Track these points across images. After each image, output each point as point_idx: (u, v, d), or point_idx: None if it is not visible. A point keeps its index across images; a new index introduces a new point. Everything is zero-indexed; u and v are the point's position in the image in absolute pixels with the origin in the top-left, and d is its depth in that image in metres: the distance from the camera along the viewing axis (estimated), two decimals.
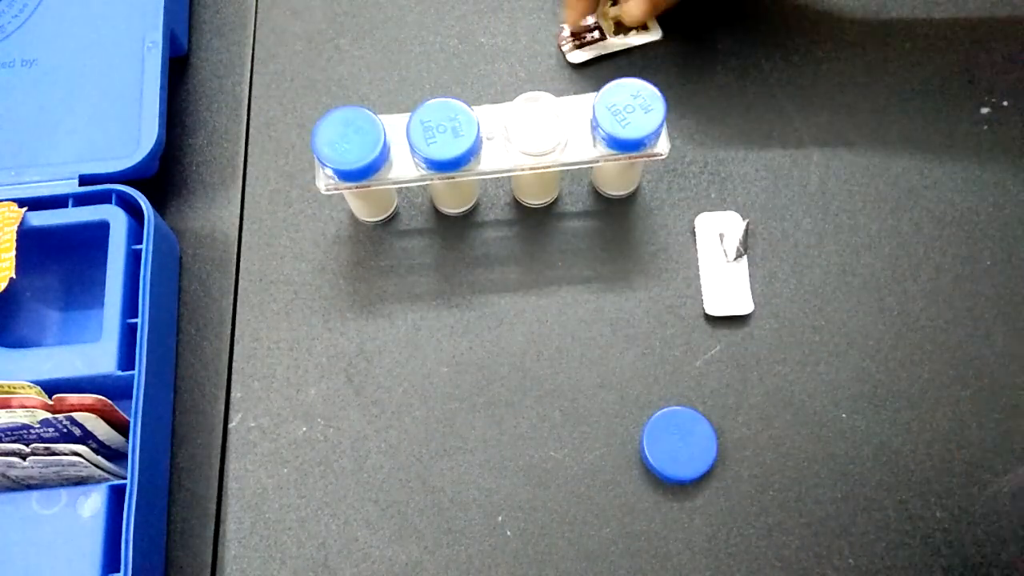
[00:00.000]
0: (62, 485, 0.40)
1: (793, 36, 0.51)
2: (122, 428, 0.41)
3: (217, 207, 0.48)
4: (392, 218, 0.48)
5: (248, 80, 0.51)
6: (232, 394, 0.45)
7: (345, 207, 0.48)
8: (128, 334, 0.41)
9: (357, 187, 0.42)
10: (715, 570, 0.42)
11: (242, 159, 0.49)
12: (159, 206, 0.48)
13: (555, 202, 0.48)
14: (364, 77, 0.51)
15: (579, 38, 0.50)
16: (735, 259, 0.46)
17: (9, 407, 0.38)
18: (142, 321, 0.41)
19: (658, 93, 0.41)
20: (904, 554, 0.41)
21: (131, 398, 0.40)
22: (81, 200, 0.44)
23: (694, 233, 0.47)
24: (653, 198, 0.48)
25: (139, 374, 0.40)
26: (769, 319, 0.45)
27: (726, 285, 0.46)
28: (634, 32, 0.50)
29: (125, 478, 0.39)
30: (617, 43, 0.50)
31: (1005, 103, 0.49)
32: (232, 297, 0.46)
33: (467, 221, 0.48)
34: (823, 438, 0.43)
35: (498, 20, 0.52)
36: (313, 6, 0.52)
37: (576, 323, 0.46)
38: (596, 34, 0.50)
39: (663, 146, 0.42)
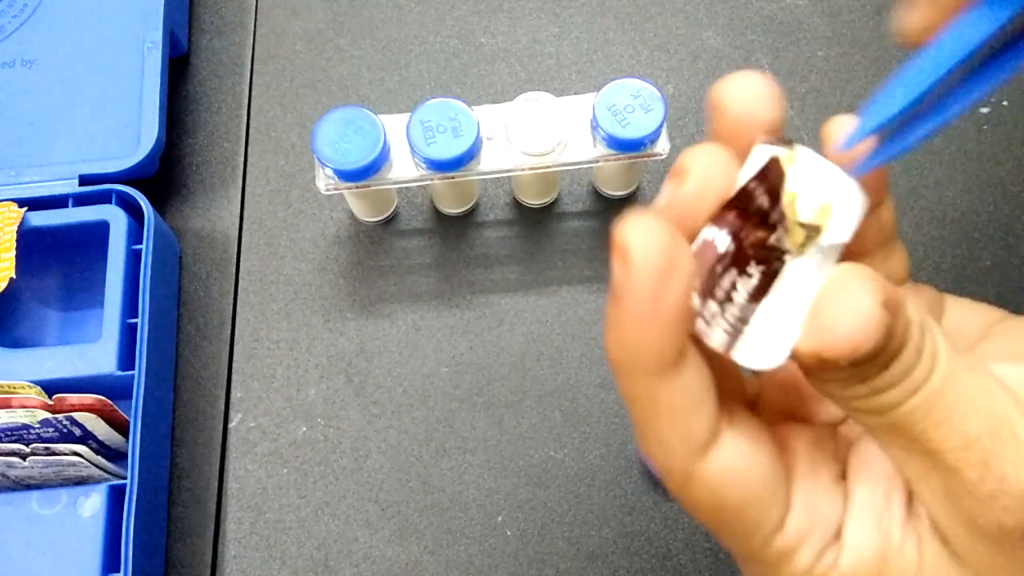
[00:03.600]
0: (62, 485, 0.40)
1: (792, 35, 0.51)
2: (122, 428, 0.41)
3: (217, 207, 0.48)
4: (392, 218, 0.48)
5: (248, 80, 0.51)
6: (232, 394, 0.45)
7: (345, 207, 0.48)
8: (128, 334, 0.41)
9: (357, 187, 0.42)
10: (715, 570, 0.42)
11: (242, 159, 0.49)
12: (159, 206, 0.48)
13: (555, 202, 0.48)
14: (364, 77, 0.51)
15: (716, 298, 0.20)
16: None
17: (9, 407, 0.38)
18: (142, 321, 0.41)
19: (658, 93, 0.41)
20: None
21: (131, 398, 0.40)
22: (81, 200, 0.44)
23: None
24: (653, 198, 0.48)
25: (139, 374, 0.40)
26: None
27: None
28: None
29: (125, 478, 0.39)
30: None
31: (1005, 103, 0.49)
32: (232, 297, 0.46)
33: (467, 221, 0.48)
34: None
35: (498, 20, 0.52)
36: (313, 6, 0.52)
37: (576, 323, 0.46)
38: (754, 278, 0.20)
39: (663, 146, 0.42)
